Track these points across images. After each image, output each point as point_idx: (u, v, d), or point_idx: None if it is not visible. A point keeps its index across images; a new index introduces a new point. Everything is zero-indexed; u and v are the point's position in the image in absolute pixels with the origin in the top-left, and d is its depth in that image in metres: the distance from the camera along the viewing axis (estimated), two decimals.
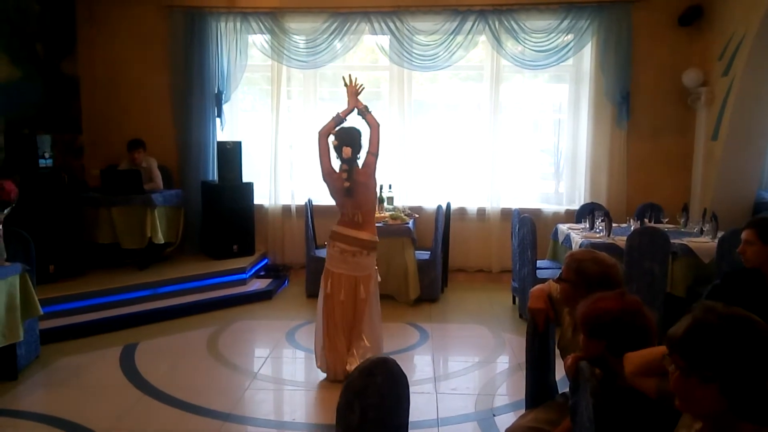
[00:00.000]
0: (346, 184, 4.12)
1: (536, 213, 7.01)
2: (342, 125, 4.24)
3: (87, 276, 6.02)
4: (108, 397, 4.08)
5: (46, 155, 5.92)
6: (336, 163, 4.22)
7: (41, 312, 4.37)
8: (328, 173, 4.23)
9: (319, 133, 4.27)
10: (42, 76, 6.60)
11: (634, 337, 2.05)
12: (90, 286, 5.72)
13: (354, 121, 4.33)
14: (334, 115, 4.27)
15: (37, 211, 5.61)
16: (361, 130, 4.24)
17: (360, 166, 4.18)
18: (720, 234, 5.06)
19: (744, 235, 3.16)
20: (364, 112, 4.24)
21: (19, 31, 6.29)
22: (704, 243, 5.15)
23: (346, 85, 4.31)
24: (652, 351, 1.97)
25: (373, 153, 4.17)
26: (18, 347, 4.28)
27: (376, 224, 4.47)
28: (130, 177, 6.40)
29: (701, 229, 5.52)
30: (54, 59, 6.76)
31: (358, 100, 4.26)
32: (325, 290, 4.27)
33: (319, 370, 4.40)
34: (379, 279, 4.42)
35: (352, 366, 4.16)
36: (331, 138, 4.20)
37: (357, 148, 4.16)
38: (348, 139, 4.15)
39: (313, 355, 4.51)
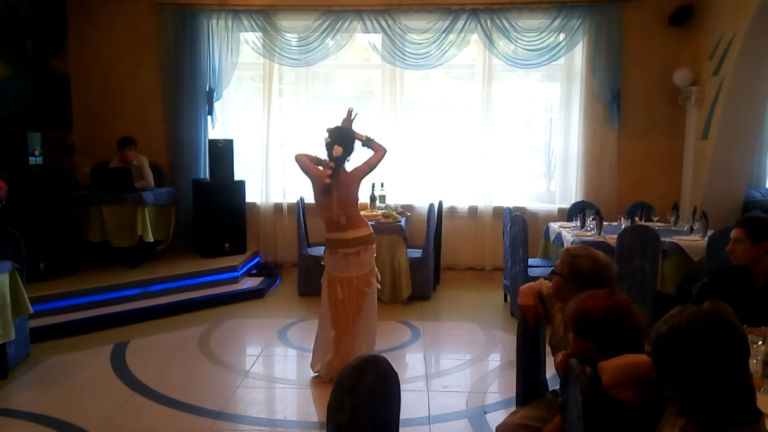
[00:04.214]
0: (327, 180, 4.09)
1: (528, 211, 7.06)
2: (337, 126, 4.21)
3: (77, 274, 6.00)
4: (99, 396, 4.06)
5: (36, 153, 5.89)
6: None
7: (31, 310, 4.35)
8: (315, 175, 4.20)
9: (301, 160, 4.27)
10: (32, 73, 6.56)
11: (623, 336, 2.05)
12: (80, 285, 5.69)
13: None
14: (320, 158, 4.30)
15: (27, 209, 5.58)
16: (354, 133, 4.22)
17: (348, 169, 4.18)
18: (710, 232, 5.10)
19: (733, 233, 3.18)
20: (368, 142, 4.23)
21: (8, 28, 6.25)
22: (694, 241, 5.18)
23: (349, 118, 4.27)
24: (627, 360, 1.97)
25: (369, 165, 4.18)
26: (8, 346, 4.26)
27: (369, 222, 4.48)
28: (121, 175, 6.37)
29: (691, 227, 5.55)
30: (44, 57, 6.72)
31: (357, 133, 4.22)
32: (334, 297, 4.18)
33: (310, 369, 4.39)
34: (377, 271, 4.36)
35: None
36: (325, 135, 4.18)
37: (348, 149, 4.14)
38: (340, 138, 4.13)
39: (305, 353, 4.52)
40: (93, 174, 6.47)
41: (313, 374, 4.37)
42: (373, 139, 4.25)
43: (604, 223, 5.58)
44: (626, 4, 6.83)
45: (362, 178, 4.20)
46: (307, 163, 4.25)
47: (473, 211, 7.30)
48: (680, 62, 6.78)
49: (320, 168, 4.21)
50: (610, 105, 6.95)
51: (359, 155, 4.26)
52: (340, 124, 4.24)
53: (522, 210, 6.79)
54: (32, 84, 6.57)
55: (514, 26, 6.89)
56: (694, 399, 1.56)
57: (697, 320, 1.55)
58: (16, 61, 6.35)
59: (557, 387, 2.46)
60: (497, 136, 7.28)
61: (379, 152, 4.23)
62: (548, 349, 2.75)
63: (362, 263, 4.19)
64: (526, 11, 6.93)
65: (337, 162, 4.12)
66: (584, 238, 5.23)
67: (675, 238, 5.23)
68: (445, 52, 6.97)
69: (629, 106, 7.00)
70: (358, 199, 4.28)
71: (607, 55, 6.86)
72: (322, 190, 4.14)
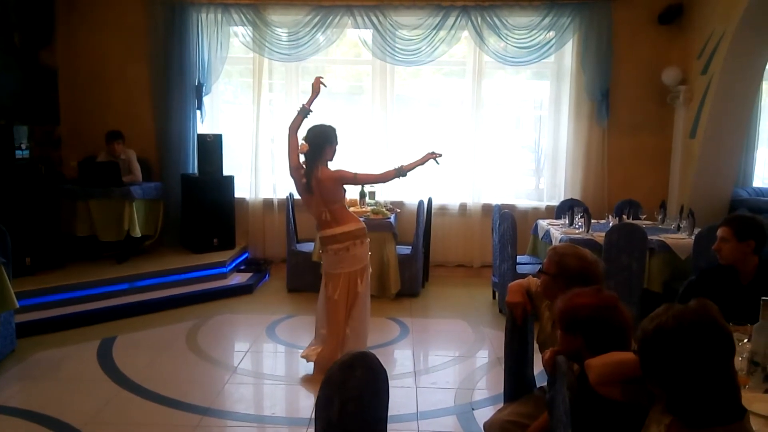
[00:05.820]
0: (303, 180, 4.08)
1: (517, 209, 7.09)
2: (317, 124, 4.15)
3: (64, 269, 5.95)
4: (85, 391, 4.04)
5: (23, 146, 5.84)
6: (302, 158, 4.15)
7: (17, 305, 4.30)
8: (294, 168, 4.16)
9: (289, 128, 4.21)
10: (19, 66, 6.49)
11: (610, 333, 2.07)
12: (67, 279, 5.65)
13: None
14: (300, 108, 4.23)
15: (14, 202, 5.53)
16: (328, 129, 4.13)
17: (330, 169, 4.10)
18: (697, 230, 5.15)
19: (719, 232, 3.21)
20: (401, 171, 4.18)
21: None
22: (681, 239, 5.22)
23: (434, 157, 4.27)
24: (614, 357, 1.98)
25: (357, 176, 4.12)
26: None
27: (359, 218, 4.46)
28: (109, 169, 6.33)
29: (678, 225, 5.60)
30: (32, 49, 6.65)
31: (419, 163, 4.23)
32: (331, 294, 4.16)
33: (300, 365, 4.40)
34: (370, 270, 4.35)
35: None
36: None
37: (315, 148, 4.04)
38: (310, 137, 4.07)
39: (293, 349, 4.55)
40: (80, 168, 6.42)
41: (301, 374, 4.38)
42: (402, 173, 4.16)
43: (593, 220, 5.62)
44: (616, 3, 6.86)
45: (342, 181, 4.10)
46: (295, 161, 4.16)
47: (463, 208, 7.32)
48: (669, 61, 6.82)
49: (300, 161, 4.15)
50: (599, 103, 6.98)
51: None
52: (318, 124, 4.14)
53: (511, 207, 6.81)
54: (20, 77, 6.50)
55: (505, 23, 6.90)
56: (680, 396, 1.57)
57: (683, 318, 1.56)
58: (3, 53, 6.27)
59: (545, 384, 2.47)
60: (487, 133, 7.30)
61: (381, 176, 4.23)
62: (536, 346, 2.76)
63: (354, 259, 4.14)
64: (516, 8, 6.95)
65: (307, 160, 4.07)
66: (572, 236, 5.26)
67: (662, 236, 5.27)
68: (435, 49, 6.97)
69: (618, 104, 7.04)
70: (342, 197, 4.19)
71: (596, 53, 6.89)
72: (303, 187, 4.12)
